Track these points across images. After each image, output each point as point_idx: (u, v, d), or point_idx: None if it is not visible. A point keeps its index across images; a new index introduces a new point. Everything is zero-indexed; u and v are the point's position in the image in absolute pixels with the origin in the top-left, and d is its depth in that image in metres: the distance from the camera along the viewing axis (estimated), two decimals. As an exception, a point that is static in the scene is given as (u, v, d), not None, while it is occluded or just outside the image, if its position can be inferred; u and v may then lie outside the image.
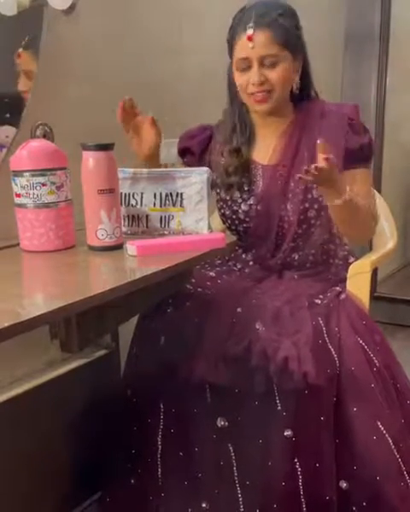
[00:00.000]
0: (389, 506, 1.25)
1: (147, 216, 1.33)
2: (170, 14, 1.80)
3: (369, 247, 1.76)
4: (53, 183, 1.20)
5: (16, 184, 1.21)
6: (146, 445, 1.37)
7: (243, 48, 1.37)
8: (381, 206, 1.71)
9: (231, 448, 1.28)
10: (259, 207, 1.47)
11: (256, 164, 1.50)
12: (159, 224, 1.33)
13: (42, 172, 1.19)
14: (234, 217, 1.51)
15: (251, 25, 1.35)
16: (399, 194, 3.38)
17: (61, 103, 1.49)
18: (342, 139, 1.42)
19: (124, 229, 1.31)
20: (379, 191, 1.51)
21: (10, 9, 1.31)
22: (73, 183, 1.24)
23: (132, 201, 1.33)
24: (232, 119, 1.51)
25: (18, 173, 1.20)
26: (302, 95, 1.49)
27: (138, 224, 1.34)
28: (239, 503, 1.28)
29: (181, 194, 1.31)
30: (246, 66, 1.38)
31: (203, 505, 1.31)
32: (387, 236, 1.69)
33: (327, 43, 2.72)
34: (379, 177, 2.86)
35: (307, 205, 1.44)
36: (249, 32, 1.35)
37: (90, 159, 1.18)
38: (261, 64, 1.37)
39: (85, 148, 1.19)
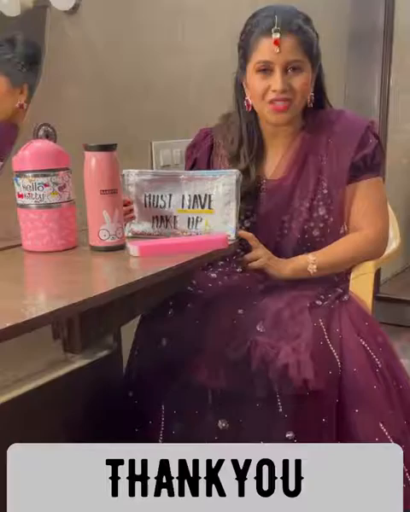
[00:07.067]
0: (391, 507, 1.24)
1: (175, 217, 1.33)
2: (173, 14, 1.80)
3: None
4: (55, 184, 1.20)
5: (19, 185, 1.21)
6: (148, 446, 1.37)
7: (267, 51, 1.30)
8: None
9: (232, 450, 1.28)
10: (260, 223, 1.43)
11: (260, 177, 1.44)
12: (187, 226, 1.32)
13: (44, 173, 1.19)
14: None
15: (277, 29, 1.29)
16: (402, 194, 3.37)
17: (64, 104, 1.49)
18: (348, 159, 1.37)
19: (151, 230, 1.33)
20: (382, 191, 1.49)
21: (14, 10, 1.31)
22: (76, 183, 1.24)
23: (161, 203, 1.33)
24: (239, 129, 1.44)
25: (20, 174, 1.20)
26: (314, 106, 1.41)
27: (166, 225, 1.33)
28: (241, 503, 1.27)
29: (209, 196, 1.30)
30: (266, 70, 1.32)
31: (205, 506, 1.31)
32: (390, 238, 1.69)
33: (331, 42, 2.71)
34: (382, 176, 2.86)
35: (311, 224, 1.40)
36: (276, 35, 1.29)
37: (93, 159, 1.18)
38: (284, 71, 1.31)
39: (88, 148, 1.19)
